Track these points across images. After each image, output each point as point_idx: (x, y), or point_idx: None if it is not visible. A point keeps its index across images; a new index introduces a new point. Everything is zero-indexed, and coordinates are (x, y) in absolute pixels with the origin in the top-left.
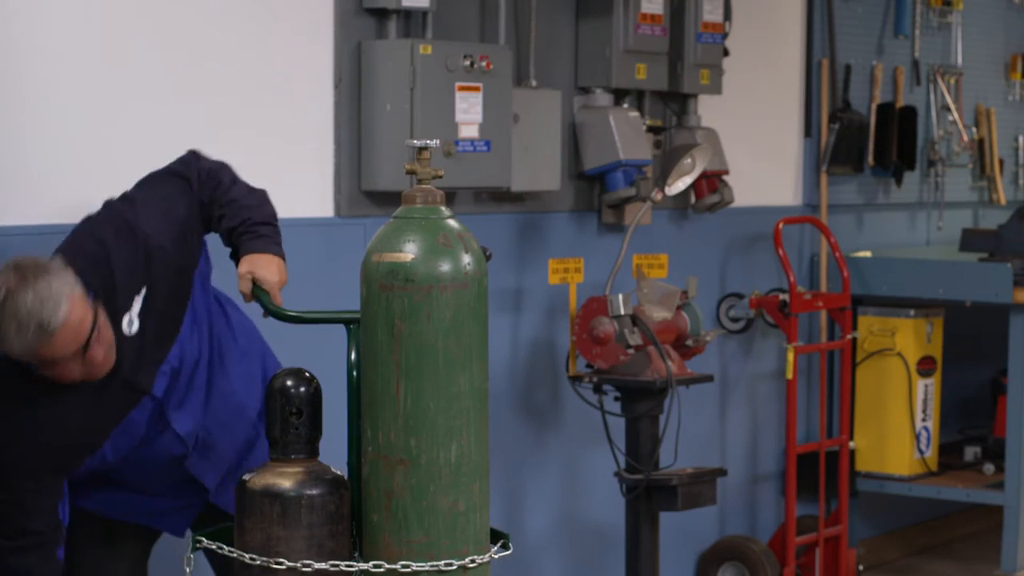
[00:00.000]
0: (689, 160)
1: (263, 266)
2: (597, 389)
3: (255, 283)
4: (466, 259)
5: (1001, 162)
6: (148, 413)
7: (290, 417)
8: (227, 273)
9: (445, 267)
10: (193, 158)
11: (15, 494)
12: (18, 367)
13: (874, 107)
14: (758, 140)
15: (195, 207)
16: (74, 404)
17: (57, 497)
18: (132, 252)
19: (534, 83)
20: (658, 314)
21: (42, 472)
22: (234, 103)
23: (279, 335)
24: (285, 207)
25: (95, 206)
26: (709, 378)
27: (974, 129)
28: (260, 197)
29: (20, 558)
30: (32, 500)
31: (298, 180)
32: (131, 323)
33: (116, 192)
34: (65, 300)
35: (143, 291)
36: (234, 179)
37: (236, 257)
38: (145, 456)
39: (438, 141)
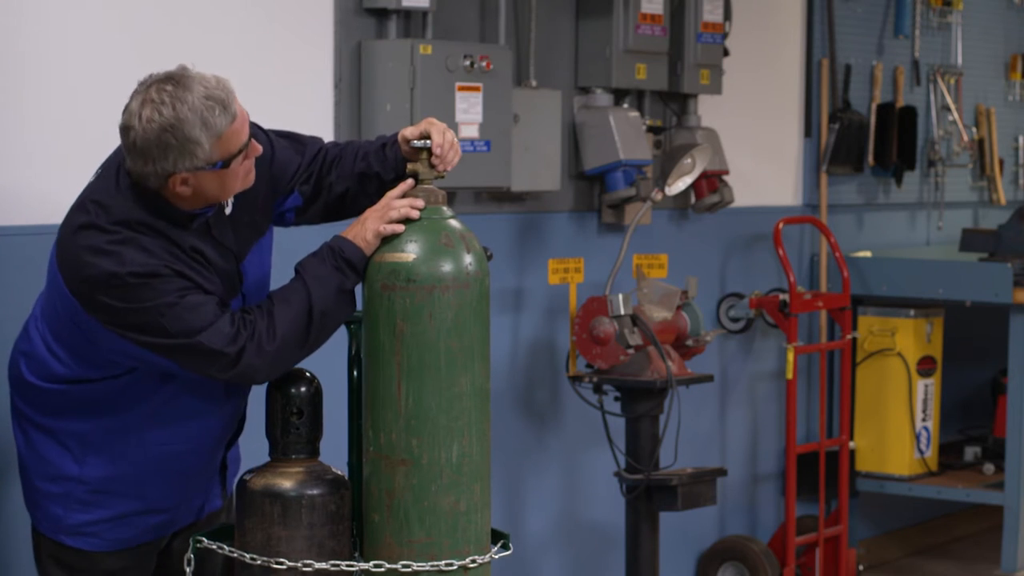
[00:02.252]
0: (689, 160)
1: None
2: (597, 389)
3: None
4: (468, 259)
5: (1001, 162)
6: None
7: (291, 417)
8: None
9: (447, 267)
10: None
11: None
12: (145, 207)
13: (874, 107)
14: (758, 140)
15: (307, 163)
16: (196, 246)
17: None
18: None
19: (534, 83)
20: (658, 314)
21: (183, 280)
22: None
23: None
24: None
25: None
26: (709, 378)
27: (974, 129)
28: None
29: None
30: (194, 299)
31: None
32: (227, 204)
33: None
34: (226, 82)
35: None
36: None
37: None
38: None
39: None
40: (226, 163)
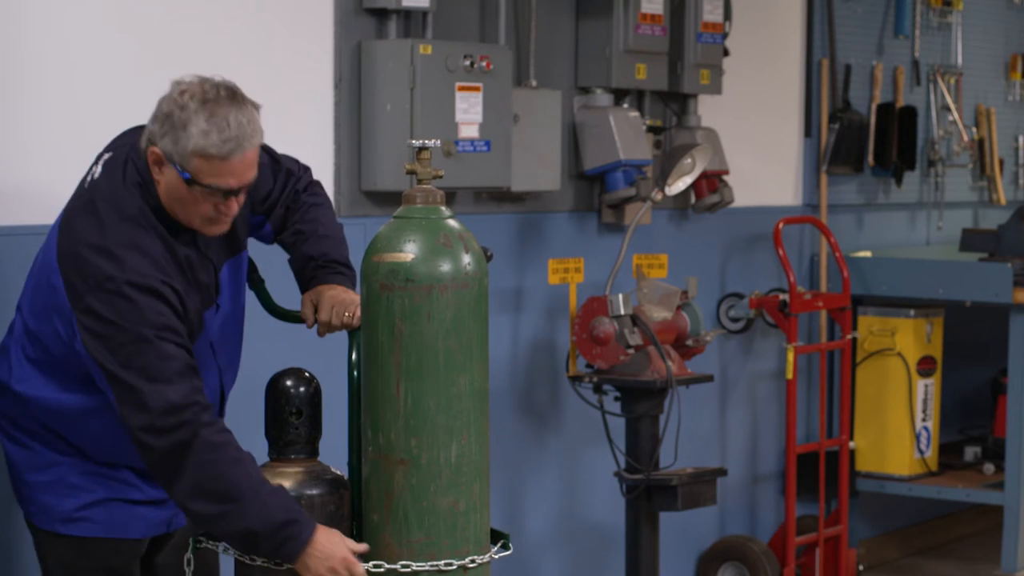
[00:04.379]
0: (689, 160)
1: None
2: (597, 389)
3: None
4: (466, 259)
5: (1001, 162)
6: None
7: (290, 417)
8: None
9: (445, 267)
10: (307, 169)
11: (151, 335)
12: (147, 204)
13: (874, 107)
14: (758, 140)
15: (277, 194)
16: (189, 255)
17: (190, 361)
18: None
19: (534, 83)
20: (658, 314)
21: (172, 315)
22: None
23: (280, 335)
24: None
25: None
26: (709, 378)
27: (974, 129)
28: (341, 232)
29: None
30: (169, 348)
31: None
32: None
33: None
34: (259, 133)
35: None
36: (332, 209)
37: (307, 284)
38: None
39: (438, 141)
40: (190, 181)
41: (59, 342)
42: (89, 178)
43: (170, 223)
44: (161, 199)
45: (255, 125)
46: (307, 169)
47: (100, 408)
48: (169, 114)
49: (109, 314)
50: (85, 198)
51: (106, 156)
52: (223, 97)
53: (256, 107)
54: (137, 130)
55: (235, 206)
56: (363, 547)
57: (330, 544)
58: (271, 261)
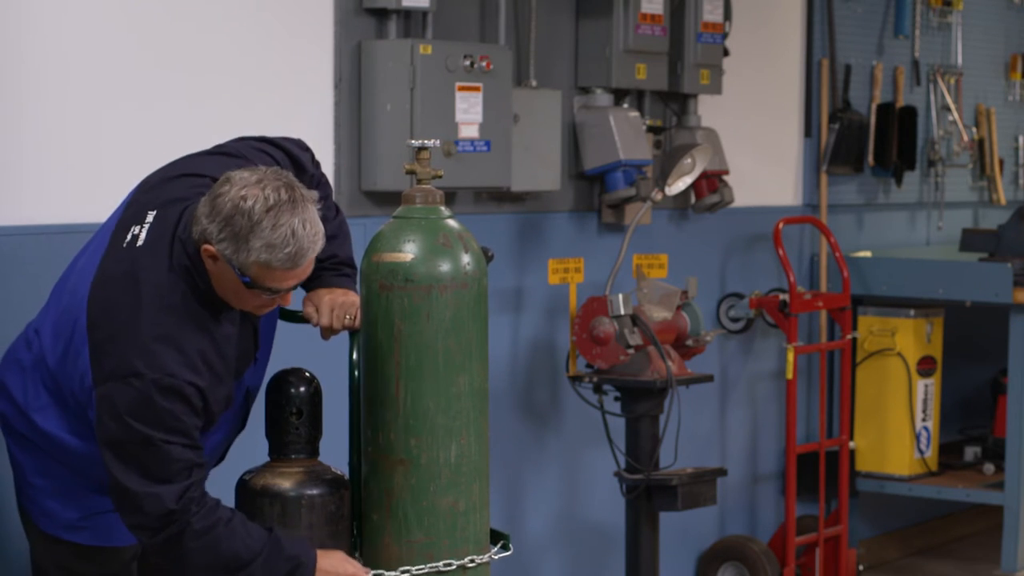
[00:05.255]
0: (689, 160)
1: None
2: (597, 389)
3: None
4: (466, 259)
5: (1001, 162)
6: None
7: (290, 417)
8: None
9: (445, 267)
10: (308, 152)
11: (168, 435)
12: (192, 290)
13: (874, 107)
14: (758, 140)
15: None
16: (230, 333)
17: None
18: None
19: (534, 83)
20: (658, 314)
21: (190, 415)
22: (234, 103)
23: (280, 335)
24: None
25: (94, 207)
26: (709, 378)
27: (974, 129)
28: (346, 227)
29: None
30: (175, 451)
31: None
32: None
33: (115, 193)
34: (320, 235)
35: None
36: (331, 198)
37: (309, 284)
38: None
39: (438, 141)
40: (250, 285)
41: (74, 397)
42: (130, 239)
43: (216, 304)
44: (214, 285)
45: (316, 227)
46: (313, 157)
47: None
48: (229, 219)
49: (124, 409)
50: (126, 267)
51: (150, 217)
52: (285, 202)
53: (312, 200)
54: (183, 181)
55: (288, 301)
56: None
57: (333, 569)
58: None
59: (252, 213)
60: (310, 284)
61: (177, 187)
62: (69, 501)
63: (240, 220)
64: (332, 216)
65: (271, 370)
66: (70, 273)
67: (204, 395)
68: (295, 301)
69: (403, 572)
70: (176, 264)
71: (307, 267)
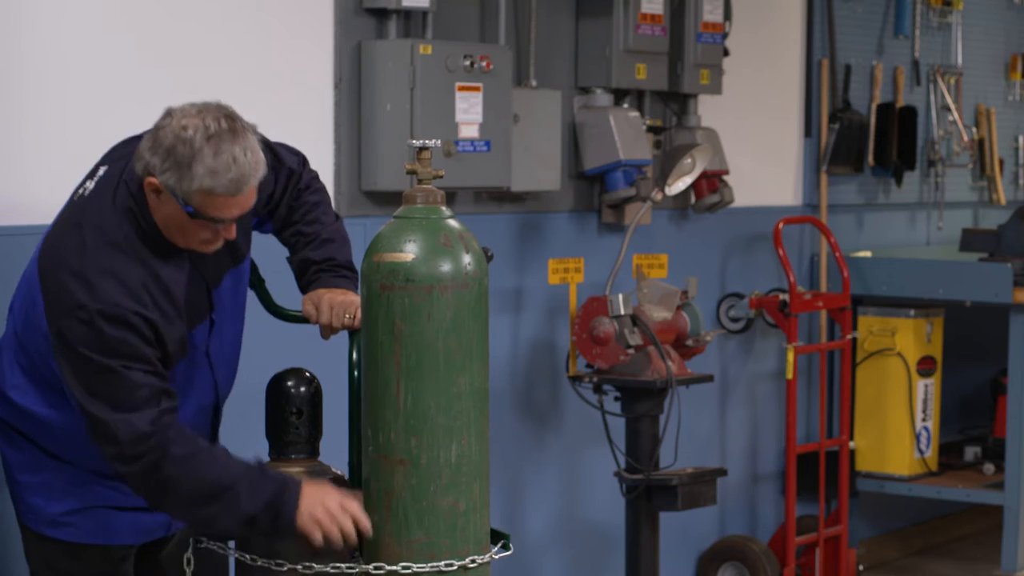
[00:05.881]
0: (689, 160)
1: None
2: (597, 389)
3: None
4: (466, 259)
5: (1001, 162)
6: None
7: (290, 417)
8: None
9: (446, 267)
10: (299, 155)
11: (121, 361)
12: (135, 229)
13: (874, 107)
14: (758, 140)
15: (280, 194)
16: (177, 277)
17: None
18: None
19: (534, 83)
20: (658, 314)
21: (142, 344)
22: (234, 103)
23: (280, 335)
24: None
25: None
26: (709, 378)
27: (974, 129)
28: (343, 232)
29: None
30: (136, 376)
31: None
32: None
33: None
34: (261, 164)
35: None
36: (328, 204)
37: (308, 287)
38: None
39: (438, 141)
40: (193, 215)
41: (41, 355)
42: (81, 191)
43: (161, 245)
44: (157, 224)
45: (257, 156)
46: (305, 161)
47: (81, 425)
48: (171, 149)
49: (77, 342)
50: (74, 216)
51: (101, 171)
52: (225, 132)
53: (254, 131)
54: (134, 141)
55: (235, 228)
56: (356, 496)
57: (319, 493)
58: (271, 261)
59: (193, 142)
60: (308, 287)
61: (131, 144)
62: (52, 496)
63: (182, 149)
64: (331, 221)
65: (272, 369)
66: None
67: (154, 327)
68: (294, 302)
69: (404, 567)
70: (119, 206)
71: (250, 196)
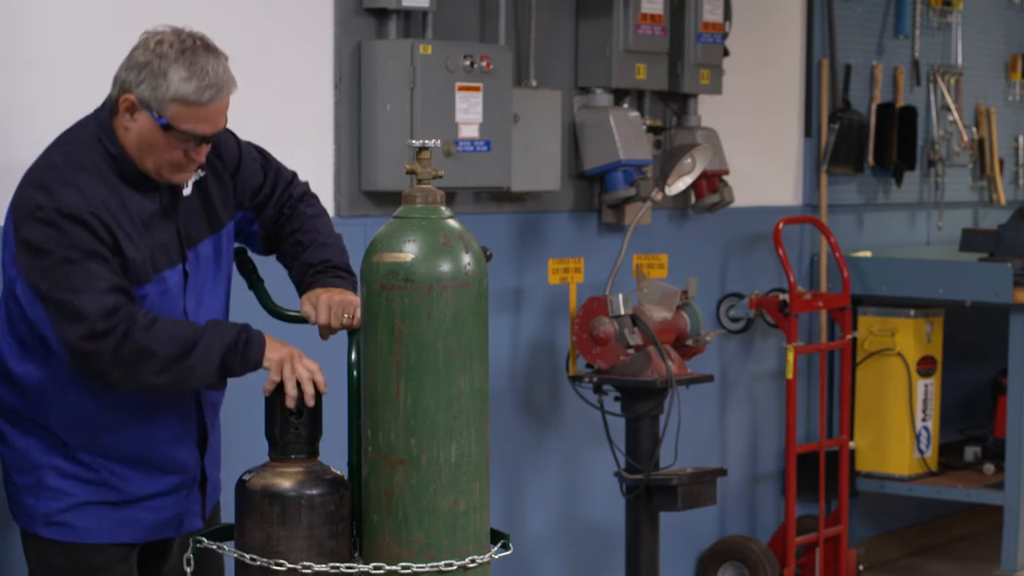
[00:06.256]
0: (689, 160)
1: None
2: (597, 389)
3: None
4: (466, 259)
5: (1001, 162)
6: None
7: (290, 417)
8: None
9: (445, 267)
10: (293, 173)
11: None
12: (103, 155)
13: (874, 107)
14: (758, 140)
15: (268, 191)
16: (145, 207)
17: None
18: (230, 150)
19: (534, 83)
20: (658, 314)
21: (99, 244)
22: (234, 103)
23: (279, 335)
24: None
25: None
26: (709, 378)
27: (974, 129)
28: (341, 242)
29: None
30: (96, 267)
31: None
32: (186, 186)
33: None
34: (233, 82)
35: (202, 174)
36: (325, 216)
37: (306, 288)
38: None
39: (438, 141)
40: (166, 127)
41: (12, 296)
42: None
43: (130, 174)
44: (128, 148)
45: (230, 74)
46: (302, 180)
47: (61, 378)
48: (147, 63)
49: (38, 241)
50: (46, 152)
51: (83, 118)
52: (199, 47)
53: (227, 57)
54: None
55: (204, 153)
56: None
57: (281, 343)
58: (271, 261)
59: (168, 54)
60: (306, 288)
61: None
62: (43, 495)
63: (156, 61)
64: (328, 231)
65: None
66: None
67: (111, 232)
68: (293, 302)
69: (404, 567)
70: (89, 136)
71: (222, 115)
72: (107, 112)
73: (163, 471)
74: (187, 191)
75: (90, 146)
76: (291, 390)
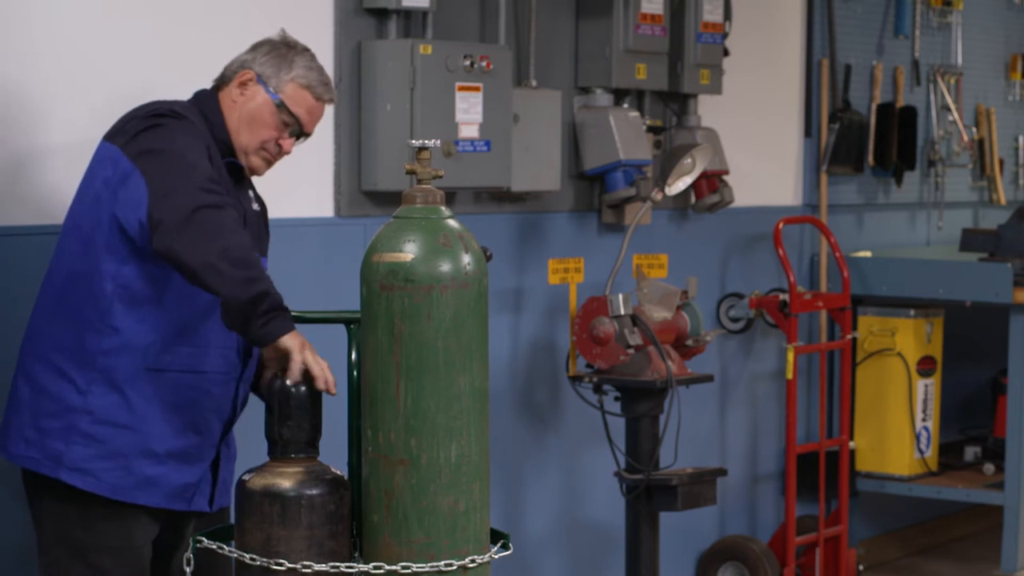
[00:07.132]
0: (689, 160)
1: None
2: (597, 389)
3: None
4: (466, 259)
5: (1001, 162)
6: None
7: (290, 417)
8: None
9: (445, 267)
10: None
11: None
12: (204, 120)
13: (874, 107)
14: (758, 140)
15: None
16: (224, 174)
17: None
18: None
19: (534, 83)
20: (658, 314)
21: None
22: None
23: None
24: (286, 207)
25: None
26: (709, 378)
27: (974, 129)
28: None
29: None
30: (207, 171)
31: (298, 180)
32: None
33: None
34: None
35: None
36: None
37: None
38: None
39: (438, 141)
40: (278, 105)
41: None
42: None
43: (223, 145)
44: (228, 121)
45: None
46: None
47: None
48: (274, 49)
49: (151, 125)
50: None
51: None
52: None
53: None
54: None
55: (291, 147)
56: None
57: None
58: (272, 264)
59: (298, 46)
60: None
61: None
62: (74, 440)
63: (285, 49)
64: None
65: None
66: None
67: (212, 160)
68: (293, 302)
69: (404, 567)
70: (190, 104)
71: (322, 114)
72: (208, 91)
73: (189, 428)
74: (255, 207)
75: (192, 111)
76: (319, 372)
